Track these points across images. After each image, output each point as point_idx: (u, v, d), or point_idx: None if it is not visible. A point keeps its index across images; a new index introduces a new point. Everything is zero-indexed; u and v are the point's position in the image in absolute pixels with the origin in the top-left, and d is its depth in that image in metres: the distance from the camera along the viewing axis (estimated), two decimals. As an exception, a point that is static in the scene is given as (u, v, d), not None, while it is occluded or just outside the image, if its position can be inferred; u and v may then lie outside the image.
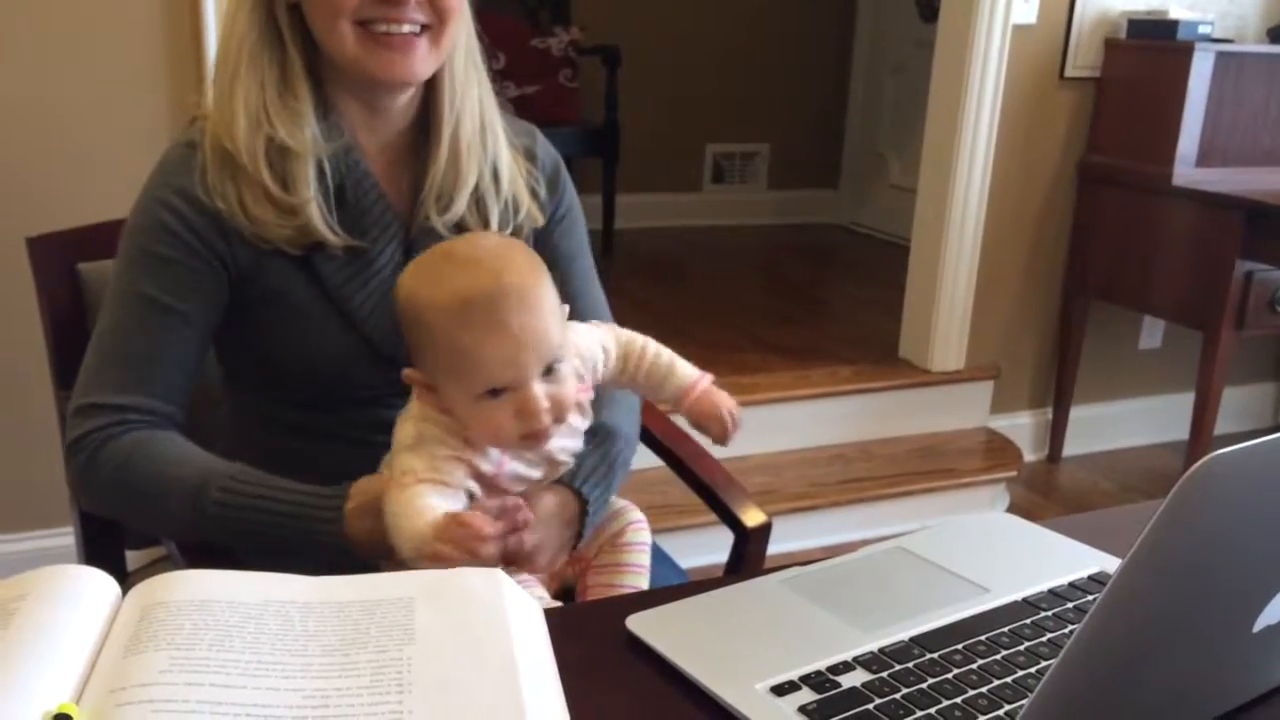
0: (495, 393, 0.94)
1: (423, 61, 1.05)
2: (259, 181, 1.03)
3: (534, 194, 1.17)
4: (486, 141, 1.13)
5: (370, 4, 1.01)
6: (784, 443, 2.73)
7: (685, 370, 1.11)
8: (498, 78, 1.18)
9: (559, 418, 0.97)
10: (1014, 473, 2.81)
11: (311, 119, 1.05)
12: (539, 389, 0.95)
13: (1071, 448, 3.11)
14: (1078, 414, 3.08)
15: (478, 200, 1.13)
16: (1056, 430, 3.10)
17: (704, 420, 1.09)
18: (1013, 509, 2.81)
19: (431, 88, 1.10)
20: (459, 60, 1.10)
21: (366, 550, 0.99)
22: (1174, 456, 3.04)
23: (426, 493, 0.93)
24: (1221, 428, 2.82)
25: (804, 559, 0.88)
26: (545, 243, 1.18)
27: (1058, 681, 0.47)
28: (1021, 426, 3.07)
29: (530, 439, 0.97)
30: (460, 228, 1.11)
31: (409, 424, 0.99)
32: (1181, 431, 2.92)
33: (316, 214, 1.05)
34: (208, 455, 1.05)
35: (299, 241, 1.06)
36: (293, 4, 1.05)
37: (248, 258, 1.06)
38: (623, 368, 1.10)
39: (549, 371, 0.96)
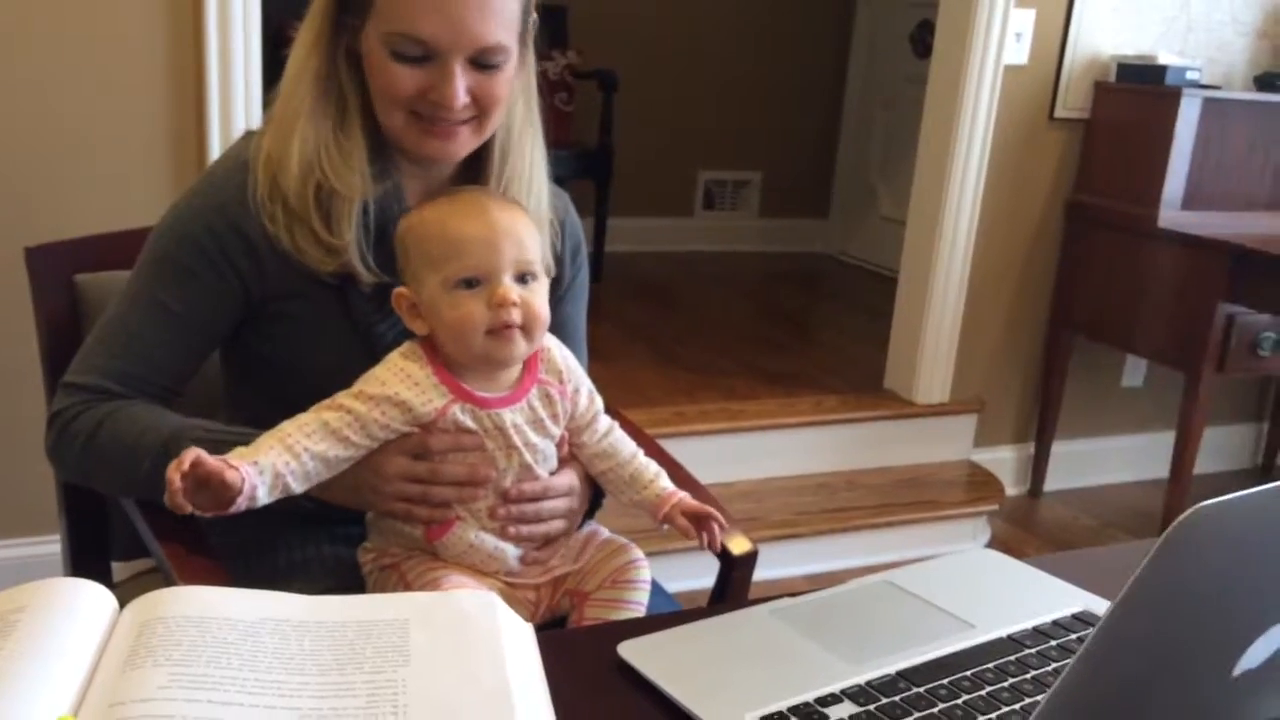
0: (470, 284, 0.99)
1: (464, 146, 1.10)
2: (305, 221, 1.07)
3: (558, 259, 1.21)
4: (530, 197, 1.15)
5: (422, 102, 1.05)
6: (769, 470, 2.74)
7: (667, 481, 1.12)
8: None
9: (528, 328, 1.00)
10: (995, 506, 2.83)
11: (364, 162, 1.09)
12: (511, 283, 0.99)
13: (1053, 483, 3.14)
14: (1060, 449, 3.11)
15: None
16: (1038, 465, 3.12)
17: (696, 516, 1.07)
18: (993, 542, 2.83)
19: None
20: (516, 116, 1.14)
21: (336, 493, 1.03)
22: (1154, 494, 3.07)
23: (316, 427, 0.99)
24: (1201, 467, 2.85)
25: (787, 587, 0.89)
26: (553, 308, 1.20)
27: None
28: (1004, 460, 3.09)
29: (497, 334, 0.99)
30: None
31: (379, 366, 1.03)
32: (1162, 470, 2.94)
33: (356, 254, 1.08)
34: (177, 415, 1.08)
35: (337, 273, 1.09)
36: (353, 52, 1.08)
37: (278, 280, 1.10)
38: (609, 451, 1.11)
39: (523, 280, 1.00)
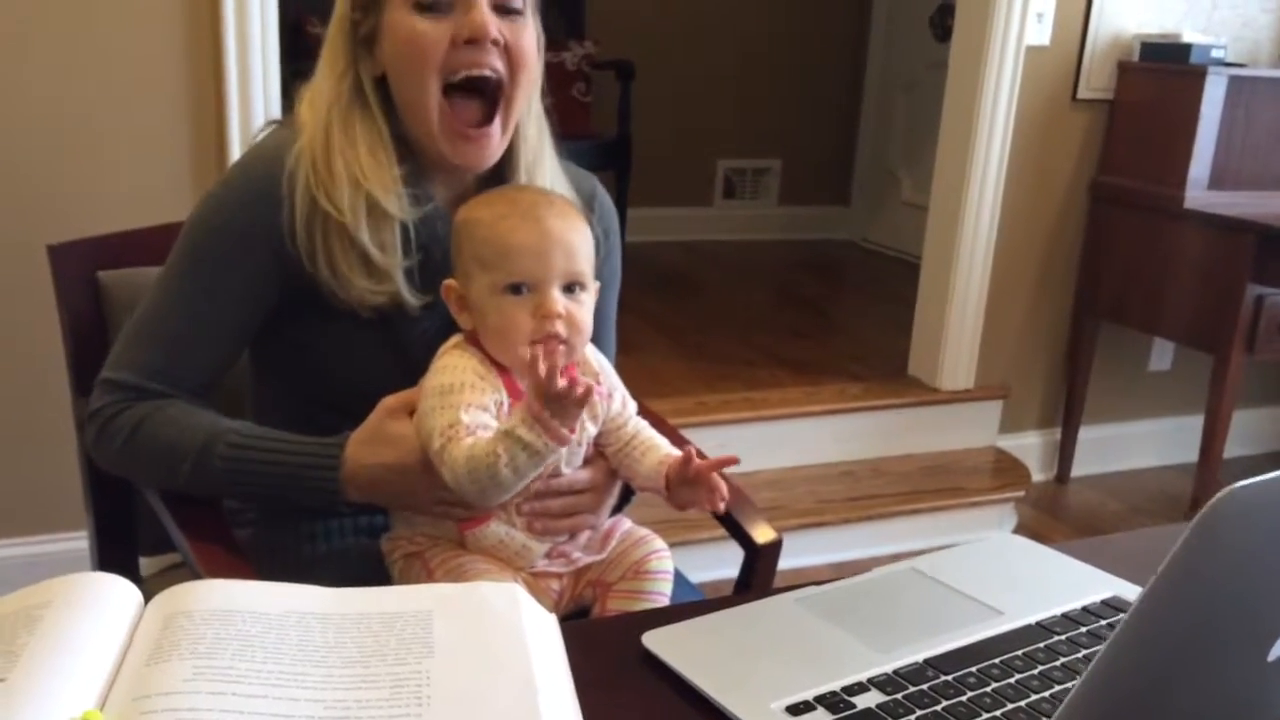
0: (517, 290, 0.99)
1: (496, 148, 1.10)
2: (357, 242, 1.07)
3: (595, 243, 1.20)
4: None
5: (455, 53, 1.05)
6: (793, 459, 2.73)
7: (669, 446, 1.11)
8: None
9: (572, 340, 1.00)
10: (1022, 492, 2.81)
11: (399, 184, 1.09)
12: (558, 294, 0.99)
13: (1080, 468, 3.11)
14: (1086, 434, 3.08)
15: None
16: (1065, 450, 3.09)
17: (684, 465, 1.05)
18: (1020, 529, 2.80)
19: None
20: (533, 115, 1.15)
21: (369, 488, 1.04)
22: (1182, 478, 3.04)
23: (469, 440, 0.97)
24: (1230, 451, 2.81)
25: (811, 575, 0.88)
26: None
27: (1077, 708, 0.47)
28: (1030, 446, 3.07)
29: (541, 346, 0.98)
30: None
31: (446, 367, 1.02)
32: (1190, 454, 2.92)
33: (402, 280, 1.09)
34: (216, 415, 1.09)
35: (378, 306, 1.09)
36: (379, 77, 1.08)
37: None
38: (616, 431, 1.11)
39: (570, 290, 1.00)
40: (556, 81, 1.20)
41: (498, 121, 1.08)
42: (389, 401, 1.04)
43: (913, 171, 4.49)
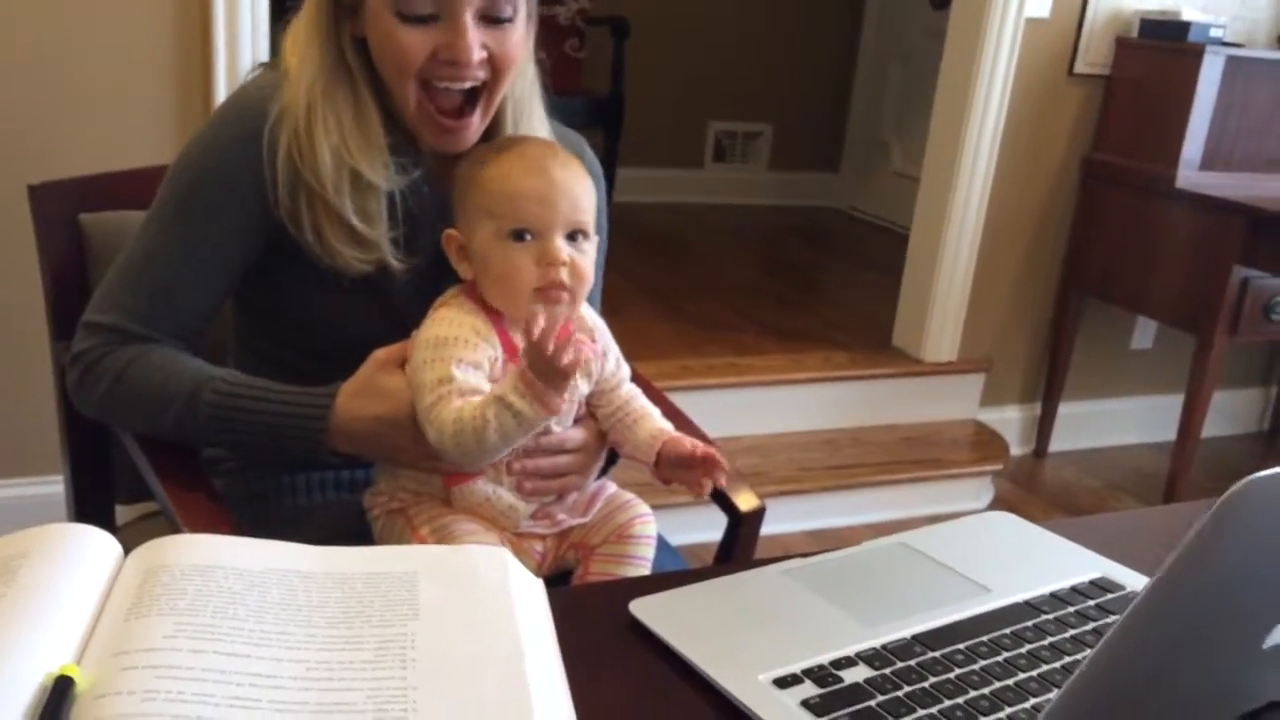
0: (520, 236, 0.98)
1: (474, 134, 1.08)
2: (340, 215, 1.05)
3: None
4: None
5: (434, 65, 1.03)
6: (775, 425, 2.73)
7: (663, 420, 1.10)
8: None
9: (575, 289, 1.00)
10: (1000, 466, 2.83)
11: (385, 154, 1.07)
12: (562, 241, 0.99)
13: (1058, 443, 3.13)
14: (1066, 410, 3.09)
15: None
16: (1044, 425, 3.11)
17: (690, 455, 1.03)
18: (997, 502, 2.82)
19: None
20: (525, 77, 1.12)
21: (359, 441, 1.03)
22: (1159, 457, 3.06)
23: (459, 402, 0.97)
24: (1208, 430, 2.83)
25: (790, 543, 0.88)
26: None
27: (1077, 691, 0.47)
28: (1010, 420, 3.08)
29: (545, 292, 0.99)
30: None
31: (443, 319, 1.01)
32: (1168, 432, 2.93)
33: (389, 248, 1.07)
34: (202, 362, 1.08)
35: (369, 272, 1.07)
36: (359, 38, 1.05)
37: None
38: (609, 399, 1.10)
39: (573, 238, 1.00)
40: (549, 36, 1.17)
41: (478, 113, 1.07)
42: (380, 354, 1.03)
43: (904, 141, 4.47)
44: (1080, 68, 2.83)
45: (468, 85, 1.04)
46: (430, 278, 1.09)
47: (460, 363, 0.98)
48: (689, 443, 1.04)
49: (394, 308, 1.09)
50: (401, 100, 1.06)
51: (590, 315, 1.10)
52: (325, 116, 1.04)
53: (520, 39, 1.06)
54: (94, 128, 1.94)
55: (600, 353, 1.07)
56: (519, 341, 1.01)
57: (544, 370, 0.91)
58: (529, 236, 0.99)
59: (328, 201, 1.04)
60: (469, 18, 1.01)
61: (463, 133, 1.07)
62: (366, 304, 1.10)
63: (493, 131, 1.12)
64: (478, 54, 1.02)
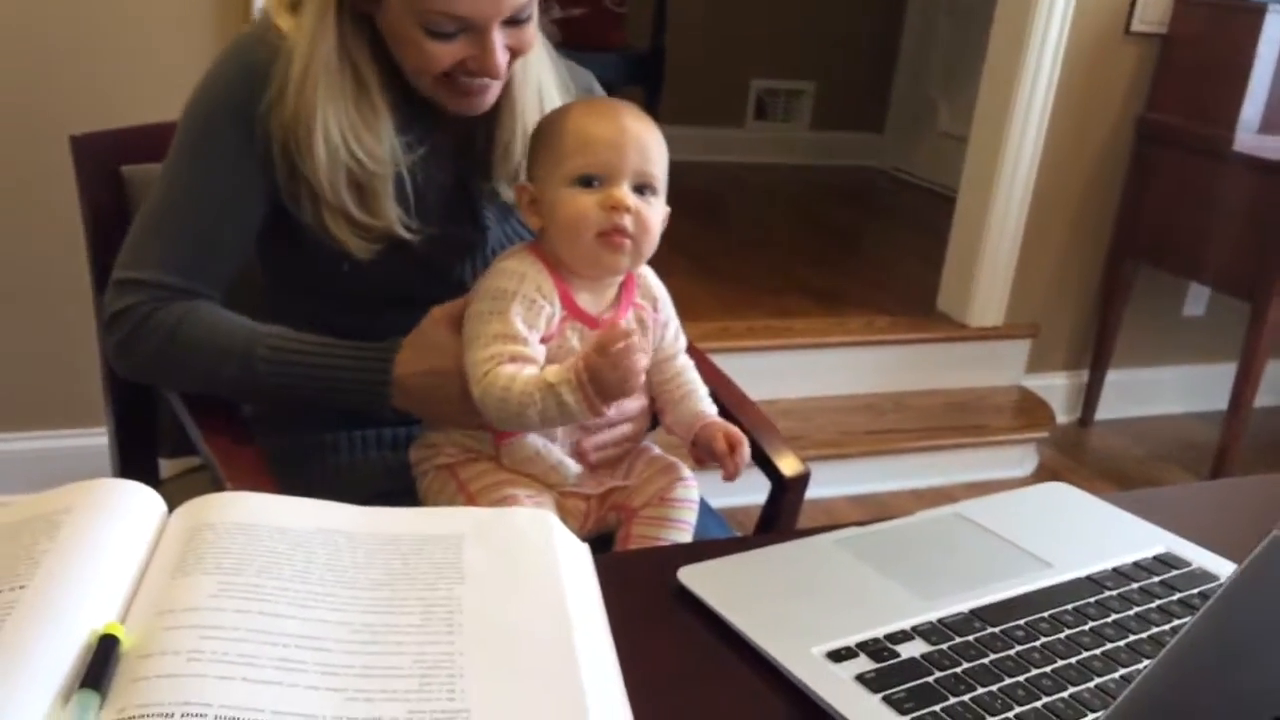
0: (588, 183, 0.98)
1: (493, 97, 1.07)
2: (339, 207, 1.04)
3: None
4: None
5: (460, 69, 1.02)
6: (815, 389, 2.70)
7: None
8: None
9: (639, 241, 0.99)
10: (1045, 433, 2.78)
11: (392, 133, 1.05)
12: (628, 190, 0.98)
13: (1104, 412, 3.07)
14: (1114, 378, 3.03)
15: None
16: (1091, 393, 3.05)
17: (723, 440, 1.06)
18: (1041, 470, 2.78)
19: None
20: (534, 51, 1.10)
21: (412, 394, 1.03)
22: (1207, 427, 3.00)
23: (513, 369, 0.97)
24: (1259, 401, 2.77)
25: (830, 507, 0.86)
26: None
27: (1151, 685, 0.45)
28: (1056, 387, 3.03)
29: (606, 239, 0.98)
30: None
31: (505, 270, 1.01)
32: (1218, 402, 2.87)
33: (400, 229, 1.06)
34: (246, 319, 1.08)
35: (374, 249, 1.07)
36: (363, 14, 1.02)
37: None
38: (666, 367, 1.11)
39: (641, 191, 0.99)
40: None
41: (497, 83, 1.06)
42: (438, 311, 1.04)
43: (952, 100, 4.37)
44: (1137, 25, 2.75)
45: (489, 81, 1.04)
46: (457, 238, 1.09)
47: (517, 319, 0.98)
48: (721, 439, 1.05)
49: (421, 256, 1.09)
50: (416, 80, 1.05)
51: (655, 283, 1.10)
52: (326, 108, 1.01)
53: (534, 27, 1.06)
54: (133, 81, 1.93)
55: (662, 322, 1.08)
56: (581, 304, 1.01)
57: (603, 382, 0.93)
58: (596, 183, 0.98)
59: (328, 200, 1.04)
60: (497, 32, 1.00)
61: (483, 96, 1.06)
62: (391, 256, 1.08)
63: (503, 104, 1.11)
64: (504, 61, 1.02)
